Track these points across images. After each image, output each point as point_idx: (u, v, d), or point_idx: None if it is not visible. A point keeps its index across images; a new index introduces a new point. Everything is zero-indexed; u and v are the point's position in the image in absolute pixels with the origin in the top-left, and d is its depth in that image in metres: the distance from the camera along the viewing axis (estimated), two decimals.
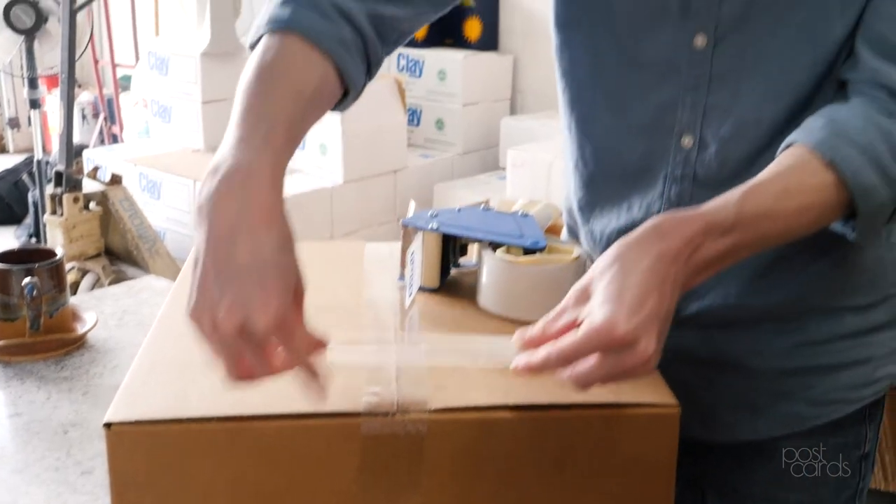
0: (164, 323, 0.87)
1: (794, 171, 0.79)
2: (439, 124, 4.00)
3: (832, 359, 0.95)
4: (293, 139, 0.75)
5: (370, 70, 0.88)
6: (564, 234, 1.09)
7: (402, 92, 3.68)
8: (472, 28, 4.07)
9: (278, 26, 0.80)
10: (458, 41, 4.06)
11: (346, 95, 0.85)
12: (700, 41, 0.88)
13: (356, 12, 0.85)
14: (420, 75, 4.01)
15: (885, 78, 0.81)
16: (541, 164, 3.20)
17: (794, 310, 0.93)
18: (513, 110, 4.15)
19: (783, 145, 0.82)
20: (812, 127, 0.81)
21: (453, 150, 3.95)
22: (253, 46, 0.82)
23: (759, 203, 0.76)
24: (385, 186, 3.60)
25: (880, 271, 0.94)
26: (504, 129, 3.85)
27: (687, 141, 0.91)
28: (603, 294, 0.69)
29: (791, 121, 0.85)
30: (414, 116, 4.03)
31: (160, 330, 0.86)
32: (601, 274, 0.70)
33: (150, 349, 0.82)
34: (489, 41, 4.11)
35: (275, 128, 0.72)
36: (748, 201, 0.76)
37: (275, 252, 0.66)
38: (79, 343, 1.24)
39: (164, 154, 3.77)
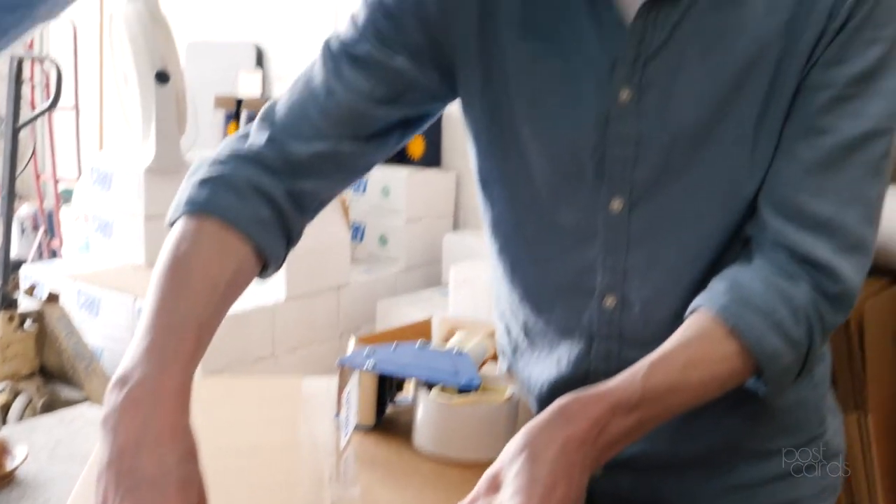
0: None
1: (699, 340, 0.80)
2: (382, 240, 4.03)
3: (763, 501, 0.95)
4: (203, 342, 0.75)
5: (291, 241, 0.90)
6: (503, 363, 1.10)
7: (345, 209, 3.71)
8: (416, 145, 4.14)
9: (195, 208, 0.82)
10: (402, 158, 4.11)
11: (266, 266, 0.87)
12: (616, 205, 0.88)
13: (273, 190, 0.86)
14: (364, 191, 4.05)
15: (786, 239, 0.83)
16: (483, 282, 3.22)
17: (723, 454, 0.94)
18: (456, 226, 4.20)
19: (689, 309, 0.84)
20: (716, 290, 0.83)
21: (397, 266, 3.97)
22: (172, 223, 0.83)
23: (665, 377, 0.77)
24: (328, 303, 3.59)
25: (804, 413, 0.96)
26: (447, 246, 3.89)
27: (610, 301, 0.91)
28: (513, 486, 0.70)
29: (708, 282, 0.86)
30: (357, 232, 4.05)
31: (93, 472, 0.84)
32: (510, 462, 0.71)
33: (82, 492, 0.81)
34: (432, 158, 4.17)
35: (185, 336, 0.73)
36: (653, 376, 0.77)
37: (178, 464, 0.67)
38: (8, 479, 1.21)
39: (104, 270, 3.72)
